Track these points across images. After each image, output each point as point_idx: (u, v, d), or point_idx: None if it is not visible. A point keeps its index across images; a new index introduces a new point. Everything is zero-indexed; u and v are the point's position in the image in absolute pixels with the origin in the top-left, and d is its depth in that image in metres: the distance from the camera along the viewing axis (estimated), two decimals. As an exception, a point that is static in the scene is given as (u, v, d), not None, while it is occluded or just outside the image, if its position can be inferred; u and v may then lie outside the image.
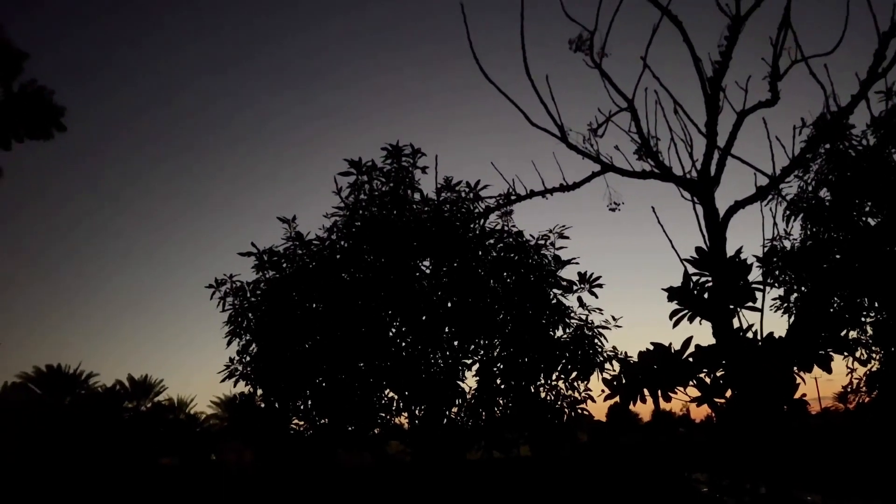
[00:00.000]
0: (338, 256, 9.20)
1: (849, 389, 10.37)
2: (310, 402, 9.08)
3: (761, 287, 5.20)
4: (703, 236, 4.87)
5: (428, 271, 9.26)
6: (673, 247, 4.96)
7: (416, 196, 9.63)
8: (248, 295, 9.21)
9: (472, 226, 9.34)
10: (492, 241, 9.27)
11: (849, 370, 10.11)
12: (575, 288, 8.92)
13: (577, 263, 8.98)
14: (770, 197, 6.94)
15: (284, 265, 9.24)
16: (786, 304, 9.31)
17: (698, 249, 5.03)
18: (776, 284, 9.05)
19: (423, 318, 8.89)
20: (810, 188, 8.94)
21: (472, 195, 9.30)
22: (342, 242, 9.32)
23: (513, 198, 5.95)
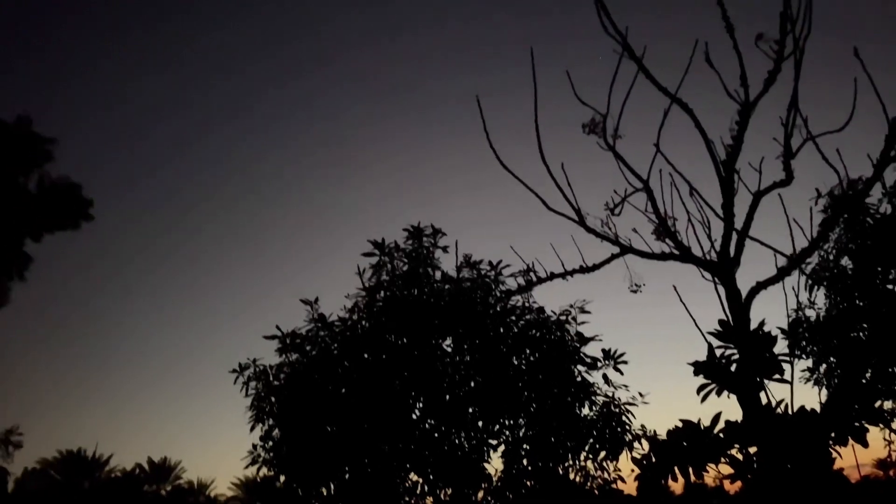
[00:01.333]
0: (360, 337, 9.26)
1: (888, 461, 10.05)
2: (333, 488, 8.96)
3: (788, 359, 5.16)
4: (727, 316, 4.88)
5: (450, 349, 9.28)
6: (696, 325, 4.96)
7: (437, 274, 9.75)
8: (272, 379, 9.25)
9: (492, 300, 9.41)
10: (513, 317, 9.30)
11: (886, 442, 9.82)
12: (599, 364, 8.87)
13: (600, 340, 8.97)
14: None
15: (308, 348, 9.30)
16: (815, 376, 9.15)
17: (722, 322, 5.03)
18: (804, 356, 8.92)
19: (447, 397, 8.85)
20: (831, 257, 8.93)
21: (493, 273, 9.40)
22: (364, 323, 9.40)
23: (533, 281, 6.01)
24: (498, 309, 9.35)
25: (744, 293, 4.84)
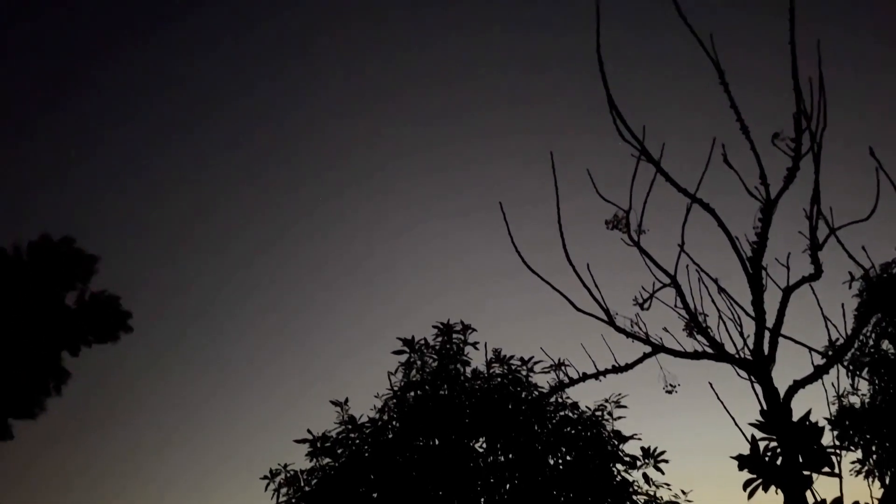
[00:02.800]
0: (390, 437, 9.15)
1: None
2: None
3: (836, 451, 4.98)
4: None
5: (482, 450, 9.09)
6: (735, 423, 4.84)
7: (468, 371, 9.70)
8: (303, 484, 9.11)
9: (524, 396, 9.28)
10: (547, 413, 9.16)
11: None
12: (639, 463, 8.62)
13: (639, 439, 8.78)
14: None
15: (339, 451, 9.19)
16: (866, 468, 8.76)
17: (764, 413, 4.89)
18: (852, 447, 8.57)
19: (482, 500, 8.61)
20: (870, 342, 8.72)
21: (524, 369, 9.33)
22: (395, 423, 9.31)
23: (566, 382, 5.95)
24: (531, 405, 9.20)
25: (781, 391, 4.73)
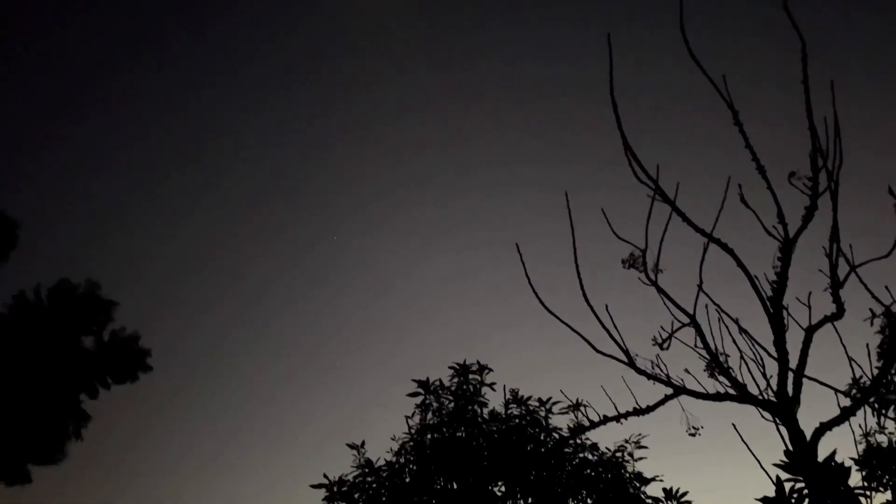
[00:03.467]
0: (407, 481, 9.03)
1: None
2: None
3: (865, 492, 4.86)
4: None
5: (501, 493, 8.94)
6: (761, 465, 4.74)
7: (485, 412, 9.59)
8: (320, 531, 8.98)
9: (543, 438, 9.15)
10: (566, 454, 9.01)
11: None
12: (661, 506, 8.44)
13: (661, 481, 8.60)
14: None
15: (356, 495, 9.07)
16: (897, 511, 8.50)
17: (788, 453, 4.79)
18: (881, 488, 8.34)
19: (502, 546, 8.44)
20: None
21: (542, 410, 9.21)
22: (412, 467, 9.19)
23: (586, 425, 5.87)
24: (550, 446, 9.07)
25: (807, 433, 4.64)
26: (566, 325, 5.23)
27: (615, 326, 5.22)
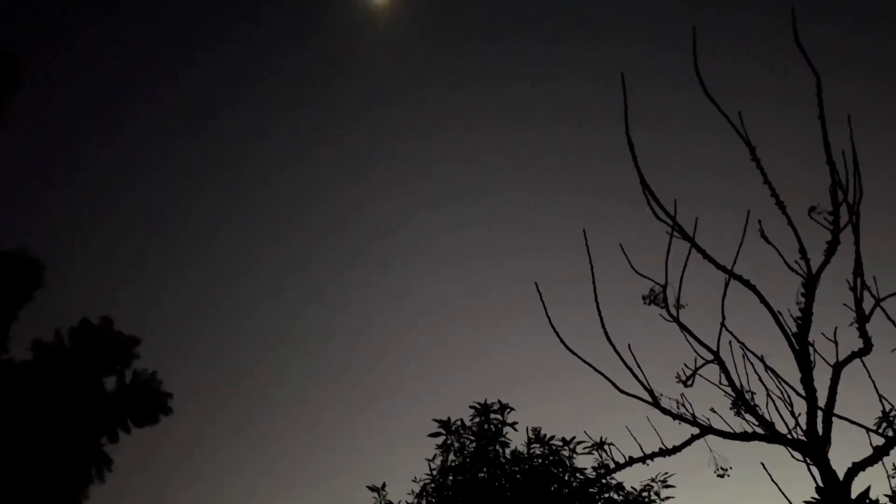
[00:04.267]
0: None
1: None
2: None
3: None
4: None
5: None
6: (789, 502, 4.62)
7: (507, 452, 9.46)
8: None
9: (567, 478, 8.99)
10: (591, 493, 8.84)
11: None
12: (690, 549, 8.21)
13: (688, 521, 8.38)
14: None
15: (378, 539, 8.94)
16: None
17: (819, 490, 4.66)
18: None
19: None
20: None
21: (566, 450, 9.07)
22: (434, 509, 9.07)
23: (612, 467, 5.77)
24: (574, 486, 8.91)
25: (840, 472, 4.52)
26: (589, 365, 5.18)
27: (638, 366, 5.16)
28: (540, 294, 5.50)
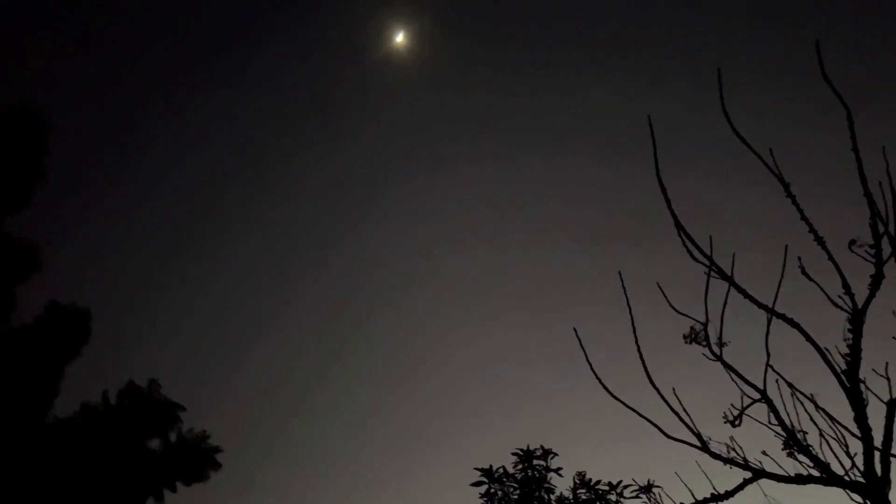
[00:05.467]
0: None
1: None
2: None
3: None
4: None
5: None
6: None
7: (552, 498, 9.31)
8: None
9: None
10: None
11: None
12: None
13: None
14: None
15: None
16: None
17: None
18: None
19: None
20: None
21: (613, 494, 8.89)
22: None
23: (663, 515, 5.63)
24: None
25: (904, 514, 4.36)
26: (633, 410, 5.12)
27: (684, 409, 5.08)
28: (579, 339, 5.47)
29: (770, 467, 5.01)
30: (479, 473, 9.37)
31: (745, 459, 5.01)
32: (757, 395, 5.51)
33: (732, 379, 5.67)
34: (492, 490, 9.28)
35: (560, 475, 9.26)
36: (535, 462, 9.37)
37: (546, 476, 9.29)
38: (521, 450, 9.43)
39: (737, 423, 5.88)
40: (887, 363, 4.73)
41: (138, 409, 9.70)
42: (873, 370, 4.75)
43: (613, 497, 8.92)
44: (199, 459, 9.99)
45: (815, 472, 4.75)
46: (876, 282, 4.64)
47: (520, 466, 9.37)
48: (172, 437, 10.11)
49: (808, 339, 4.80)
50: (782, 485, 4.98)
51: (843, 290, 4.72)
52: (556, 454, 9.44)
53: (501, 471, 9.33)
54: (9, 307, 10.76)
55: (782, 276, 5.30)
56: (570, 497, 9.17)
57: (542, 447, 9.49)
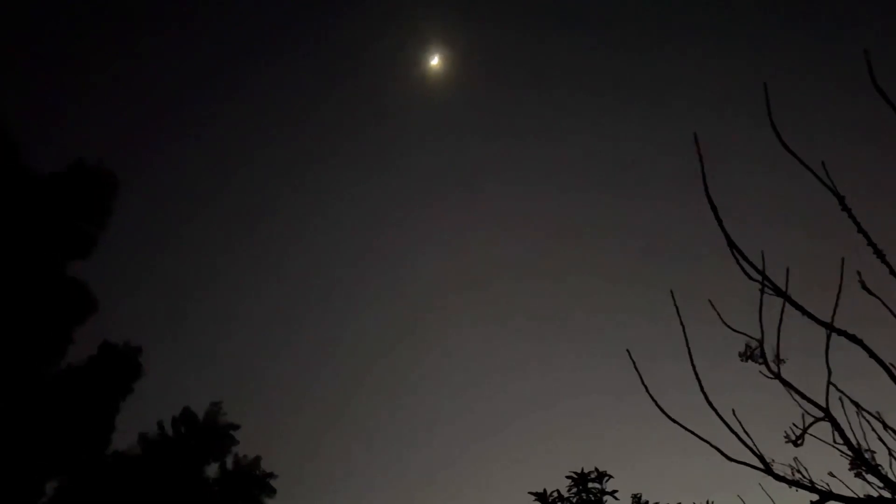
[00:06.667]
0: None
1: None
2: None
3: None
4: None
5: None
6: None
7: (608, 522, 9.14)
8: None
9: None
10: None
11: None
12: None
13: None
14: None
15: None
16: None
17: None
18: None
19: None
20: None
21: (671, 517, 8.69)
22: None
23: (726, 539, 5.49)
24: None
25: None
26: (691, 432, 5.03)
27: (745, 430, 4.97)
28: (633, 361, 5.41)
29: (837, 489, 4.86)
30: (532, 498, 9.26)
31: (811, 481, 4.88)
32: (819, 414, 5.37)
33: (793, 397, 5.54)
34: (547, 513, 9.15)
35: (616, 498, 9.09)
36: (590, 485, 9.22)
37: (601, 499, 9.12)
38: (576, 472, 9.29)
39: (799, 442, 5.73)
40: (959, 379, 4.56)
41: (194, 435, 9.91)
42: (943, 387, 4.59)
43: (673, 519, 8.74)
44: (254, 486, 10.12)
45: (886, 494, 4.59)
46: (941, 294, 4.50)
47: (574, 490, 9.23)
48: (229, 462, 10.29)
49: (872, 354, 4.67)
50: None
51: (907, 305, 4.59)
52: (611, 476, 9.28)
53: (556, 494, 9.20)
54: (66, 347, 11.17)
55: (840, 291, 5.17)
56: (627, 521, 8.99)
57: (596, 469, 9.33)
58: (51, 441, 10.41)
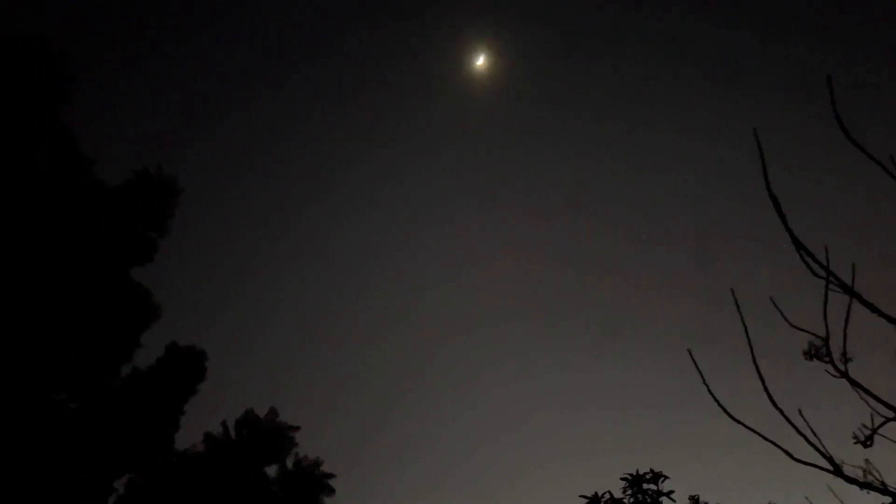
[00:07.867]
0: None
1: None
2: None
3: None
4: None
5: None
6: None
7: (666, 524, 9.02)
8: None
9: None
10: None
11: None
12: None
13: None
14: None
15: None
16: None
17: None
18: None
19: None
20: None
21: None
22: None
23: (794, 541, 5.39)
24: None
25: None
26: (756, 432, 4.95)
27: (812, 431, 4.86)
28: (695, 361, 5.35)
29: (914, 491, 4.72)
30: (584, 501, 9.18)
31: (883, 483, 4.75)
32: (890, 414, 5.23)
33: (861, 397, 5.40)
34: (600, 516, 9.07)
35: (672, 500, 8.95)
36: (646, 486, 9.11)
37: (658, 500, 9.00)
38: (630, 474, 9.18)
39: (868, 443, 5.58)
40: None
41: (256, 436, 10.17)
42: None
43: (733, 522, 8.57)
44: (313, 486, 10.31)
45: (964, 496, 4.44)
46: None
47: (629, 491, 9.13)
48: (289, 463, 10.52)
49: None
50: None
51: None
52: (667, 477, 9.14)
53: (608, 497, 9.11)
54: (133, 351, 11.61)
55: (911, 287, 5.03)
56: (685, 522, 8.85)
57: (651, 470, 9.21)
58: (121, 440, 10.84)
